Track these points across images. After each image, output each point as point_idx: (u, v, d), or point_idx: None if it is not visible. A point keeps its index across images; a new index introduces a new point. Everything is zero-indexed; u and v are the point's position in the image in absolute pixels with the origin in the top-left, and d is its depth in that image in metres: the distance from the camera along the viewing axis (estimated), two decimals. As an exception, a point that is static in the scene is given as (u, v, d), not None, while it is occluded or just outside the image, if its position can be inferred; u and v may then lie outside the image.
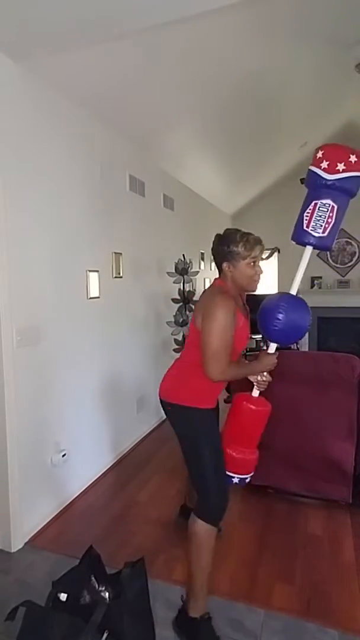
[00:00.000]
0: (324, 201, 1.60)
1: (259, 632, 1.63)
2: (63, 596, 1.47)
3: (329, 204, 1.59)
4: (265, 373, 1.70)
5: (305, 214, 1.64)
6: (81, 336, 2.69)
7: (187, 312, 3.83)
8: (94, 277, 2.79)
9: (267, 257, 6.99)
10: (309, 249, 1.65)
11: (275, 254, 6.93)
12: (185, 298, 3.86)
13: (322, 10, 2.47)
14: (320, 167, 1.61)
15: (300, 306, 1.64)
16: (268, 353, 1.69)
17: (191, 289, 3.93)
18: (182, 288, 3.86)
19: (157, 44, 2.23)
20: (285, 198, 6.71)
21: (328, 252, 6.55)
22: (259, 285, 1.73)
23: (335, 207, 1.60)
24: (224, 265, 1.69)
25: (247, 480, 1.73)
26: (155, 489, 2.73)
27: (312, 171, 1.64)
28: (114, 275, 3.07)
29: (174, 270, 3.83)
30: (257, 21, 2.36)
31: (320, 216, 1.60)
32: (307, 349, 6.56)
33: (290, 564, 2.00)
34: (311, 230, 1.62)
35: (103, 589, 1.53)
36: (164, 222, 4.06)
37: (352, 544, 2.14)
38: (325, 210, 1.60)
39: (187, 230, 4.73)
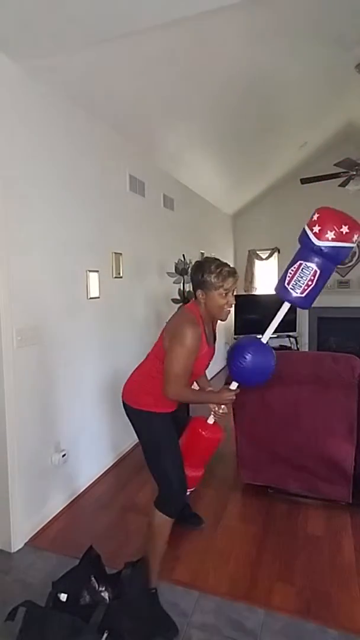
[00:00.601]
0: (309, 264, 1.64)
1: (259, 632, 1.63)
2: (63, 596, 1.47)
3: (312, 268, 1.63)
4: (223, 406, 1.84)
5: (290, 270, 1.70)
6: (81, 336, 2.69)
7: (187, 312, 3.83)
8: (94, 277, 2.79)
9: (267, 257, 6.99)
10: (286, 305, 1.73)
11: (276, 254, 6.94)
12: (185, 298, 3.85)
13: (322, 11, 2.47)
14: (312, 230, 1.64)
15: (267, 353, 1.75)
16: (229, 389, 1.80)
17: (191, 289, 3.92)
18: (182, 288, 3.86)
19: (157, 44, 2.23)
20: (285, 198, 6.72)
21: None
22: (228, 316, 1.80)
23: (318, 272, 1.64)
24: (198, 292, 1.76)
25: (187, 494, 1.86)
26: (154, 490, 2.72)
27: (305, 231, 1.67)
28: (114, 275, 3.07)
29: (174, 271, 3.83)
30: (258, 21, 2.36)
31: (301, 277, 1.65)
32: (307, 349, 6.56)
33: (290, 564, 2.00)
34: (291, 288, 1.67)
35: (103, 589, 1.53)
36: (164, 222, 4.06)
37: (352, 544, 2.14)
38: (308, 273, 1.64)
39: (187, 230, 4.73)
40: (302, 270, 1.65)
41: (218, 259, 1.77)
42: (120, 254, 3.18)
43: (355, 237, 1.61)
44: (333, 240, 1.59)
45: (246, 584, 1.88)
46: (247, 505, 2.51)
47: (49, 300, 2.38)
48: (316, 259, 1.63)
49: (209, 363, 1.87)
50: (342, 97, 4.34)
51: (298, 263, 1.67)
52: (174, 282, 3.84)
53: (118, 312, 3.18)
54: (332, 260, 1.64)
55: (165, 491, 1.76)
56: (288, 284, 1.69)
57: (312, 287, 1.66)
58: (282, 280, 1.72)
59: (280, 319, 1.77)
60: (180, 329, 1.67)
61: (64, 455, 2.46)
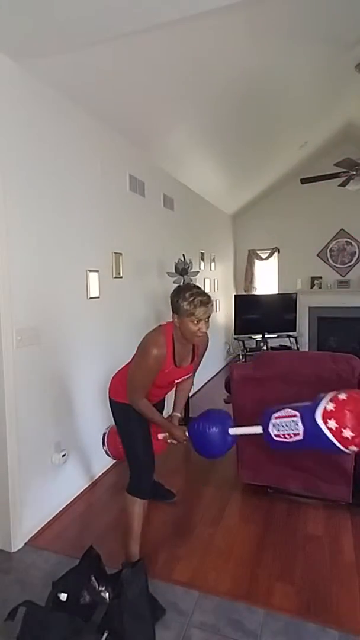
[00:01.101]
0: (299, 425, 1.55)
1: (259, 632, 1.63)
2: (63, 596, 1.47)
3: (299, 432, 1.55)
4: (172, 439, 2.00)
5: (283, 408, 1.64)
6: (81, 336, 2.69)
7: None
8: (94, 277, 2.79)
9: (267, 257, 6.99)
10: (258, 428, 1.70)
11: (276, 253, 6.94)
12: (185, 298, 3.85)
13: (322, 10, 2.47)
14: (326, 418, 1.50)
15: (224, 444, 1.81)
16: (183, 431, 1.94)
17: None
18: (182, 288, 3.85)
19: (158, 44, 2.23)
20: (285, 198, 6.73)
21: (328, 252, 6.56)
22: (199, 340, 1.90)
23: (301, 439, 1.55)
24: (173, 316, 1.85)
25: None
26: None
27: (320, 404, 1.54)
28: (114, 275, 3.07)
29: (174, 270, 3.83)
30: (258, 21, 2.36)
31: (286, 425, 1.59)
32: (307, 349, 6.57)
33: (290, 564, 2.00)
34: (271, 424, 1.63)
35: (103, 589, 1.53)
36: (164, 222, 4.06)
37: (352, 544, 2.14)
38: (292, 429, 1.57)
39: (187, 230, 4.73)
40: (292, 421, 1.57)
41: (197, 287, 1.85)
42: (120, 254, 3.17)
43: (353, 447, 1.47)
44: (331, 431, 1.48)
45: (246, 584, 1.88)
46: (247, 505, 2.51)
47: (49, 300, 2.38)
48: (308, 430, 1.53)
49: (180, 379, 2.03)
50: (342, 97, 4.34)
51: (294, 412, 1.59)
52: (173, 282, 3.83)
53: (118, 312, 3.18)
54: (313, 439, 1.53)
55: (135, 475, 1.96)
56: (272, 418, 1.64)
57: (285, 442, 1.59)
58: (269, 410, 1.69)
59: (249, 432, 1.78)
60: (146, 347, 1.84)
61: (64, 455, 2.46)
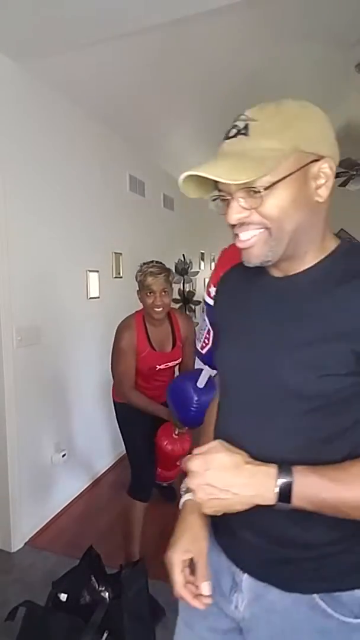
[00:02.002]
0: (206, 321, 1.43)
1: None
2: (63, 596, 1.47)
3: (207, 325, 1.42)
4: (180, 429, 1.87)
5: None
6: (81, 336, 2.69)
7: (187, 312, 3.83)
8: (94, 277, 2.79)
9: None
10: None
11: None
12: (186, 298, 3.86)
13: (322, 10, 2.47)
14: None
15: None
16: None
17: (191, 289, 3.93)
18: (182, 288, 3.86)
19: (157, 43, 2.23)
20: (285, 198, 6.72)
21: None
22: (160, 315, 1.83)
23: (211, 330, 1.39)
24: (137, 294, 1.88)
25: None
26: (155, 489, 2.73)
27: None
28: (114, 275, 3.07)
29: (174, 270, 3.83)
30: (257, 21, 2.36)
31: (201, 331, 1.49)
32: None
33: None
34: (197, 340, 1.53)
35: (103, 589, 1.53)
36: (164, 222, 4.06)
37: (352, 544, 2.13)
38: (203, 330, 1.46)
39: (187, 230, 4.72)
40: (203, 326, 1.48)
41: (156, 262, 1.86)
42: (120, 254, 3.17)
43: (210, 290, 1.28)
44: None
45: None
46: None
47: (49, 300, 2.38)
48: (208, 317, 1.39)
49: (163, 365, 1.93)
50: (342, 97, 4.34)
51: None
52: (174, 282, 3.84)
53: (118, 312, 3.16)
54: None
55: (135, 477, 1.93)
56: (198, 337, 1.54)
57: (209, 346, 1.43)
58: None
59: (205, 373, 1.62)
60: (117, 332, 1.88)
61: (64, 455, 2.46)
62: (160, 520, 2.38)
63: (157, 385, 2.00)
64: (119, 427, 2.01)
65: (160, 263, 1.88)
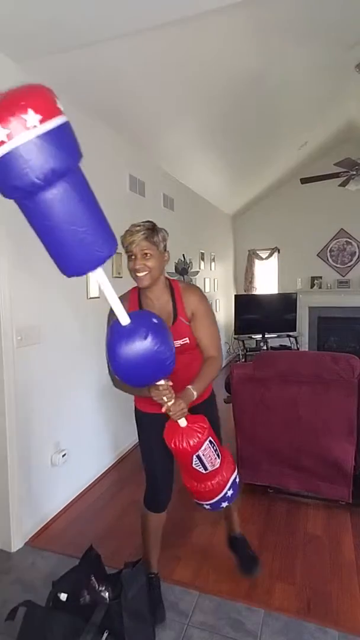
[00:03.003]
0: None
1: (259, 632, 1.63)
2: (63, 596, 1.47)
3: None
4: (168, 402, 1.42)
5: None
6: (81, 336, 2.69)
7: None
8: (94, 277, 2.79)
9: (267, 257, 6.99)
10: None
11: (275, 253, 6.94)
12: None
13: (322, 11, 2.47)
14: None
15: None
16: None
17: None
18: (182, 288, 3.86)
19: (158, 43, 2.23)
20: (285, 198, 6.72)
21: (328, 252, 6.55)
22: (144, 282, 1.53)
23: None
24: None
25: (221, 505, 1.59)
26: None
27: None
28: (114, 275, 3.07)
29: (174, 270, 3.83)
30: (258, 21, 2.36)
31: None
32: (307, 349, 6.56)
33: (290, 564, 2.00)
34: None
35: (103, 589, 1.53)
36: (164, 222, 4.04)
37: (352, 544, 2.14)
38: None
39: (187, 230, 4.72)
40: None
41: (148, 221, 1.58)
42: (120, 253, 3.17)
43: None
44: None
45: (246, 584, 1.87)
46: (246, 505, 2.51)
47: (49, 300, 2.38)
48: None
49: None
50: (342, 97, 4.34)
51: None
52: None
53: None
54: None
55: (148, 486, 1.78)
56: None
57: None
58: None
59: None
60: None
61: (64, 455, 2.46)
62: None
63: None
64: (138, 435, 1.80)
65: (151, 222, 1.57)
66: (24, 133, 0.89)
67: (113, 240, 1.19)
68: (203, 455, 1.43)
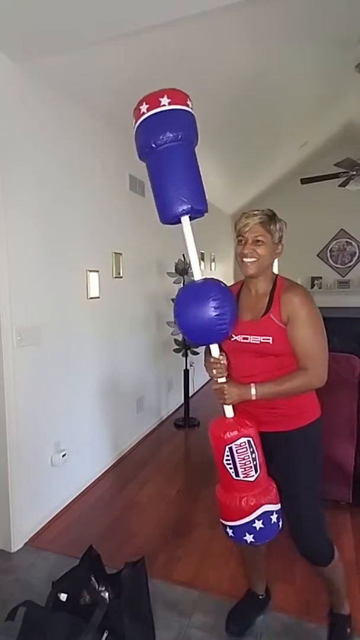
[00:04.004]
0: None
1: (259, 632, 1.63)
2: (63, 596, 1.47)
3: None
4: (218, 379, 1.36)
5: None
6: (81, 336, 2.69)
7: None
8: (94, 277, 2.79)
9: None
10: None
11: (275, 254, 6.94)
12: (185, 298, 3.85)
13: (322, 10, 2.47)
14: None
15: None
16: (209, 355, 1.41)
17: (191, 289, 3.92)
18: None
19: (158, 43, 2.23)
20: (285, 198, 6.72)
21: (328, 252, 6.55)
22: (249, 269, 1.41)
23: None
24: None
25: (245, 537, 1.37)
26: (155, 489, 2.73)
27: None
28: (114, 275, 3.07)
29: (174, 270, 3.83)
30: (257, 21, 2.36)
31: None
32: (307, 349, 6.56)
33: (290, 564, 2.00)
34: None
35: (103, 589, 1.53)
36: (164, 222, 4.05)
37: (352, 544, 2.13)
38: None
39: (187, 230, 4.71)
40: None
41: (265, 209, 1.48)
42: (120, 254, 3.17)
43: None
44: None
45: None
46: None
47: (49, 300, 2.38)
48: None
49: (239, 337, 1.40)
50: (342, 97, 4.34)
51: None
52: (174, 282, 3.84)
53: (118, 312, 3.18)
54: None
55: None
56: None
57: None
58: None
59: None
60: None
61: (64, 455, 2.46)
62: (159, 521, 2.39)
63: (234, 362, 1.42)
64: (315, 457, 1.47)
65: (271, 210, 1.48)
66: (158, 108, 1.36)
67: (198, 199, 1.44)
68: (237, 452, 1.31)
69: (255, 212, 1.43)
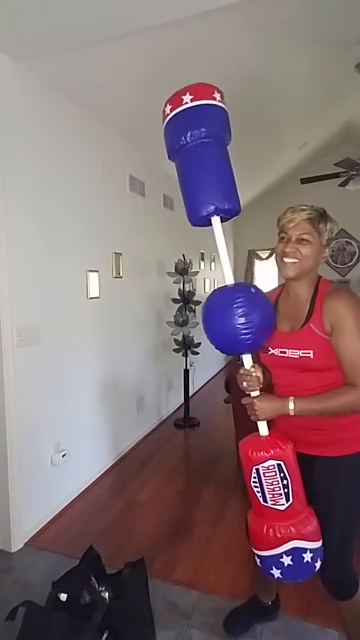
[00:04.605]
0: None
1: (259, 632, 1.63)
2: (63, 596, 1.47)
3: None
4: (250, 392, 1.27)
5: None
6: (81, 336, 2.69)
7: (187, 312, 3.83)
8: (94, 277, 2.79)
9: (267, 257, 6.99)
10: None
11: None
12: (185, 298, 3.85)
13: (322, 11, 2.47)
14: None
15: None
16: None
17: (191, 289, 3.92)
18: (182, 288, 3.86)
19: (158, 44, 2.23)
20: (285, 198, 6.71)
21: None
22: (289, 271, 1.25)
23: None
24: None
25: (272, 569, 1.22)
26: (155, 489, 2.74)
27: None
28: (114, 275, 3.07)
29: (174, 270, 3.83)
30: (257, 21, 2.36)
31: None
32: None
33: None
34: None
35: (103, 589, 1.53)
36: (164, 222, 4.06)
37: (352, 544, 2.13)
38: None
39: (187, 230, 4.71)
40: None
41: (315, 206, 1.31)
42: (120, 254, 3.17)
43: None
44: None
45: (246, 584, 1.87)
46: (247, 505, 2.50)
47: (49, 300, 2.38)
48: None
49: (276, 349, 1.28)
50: (342, 97, 4.34)
51: None
52: (174, 282, 3.84)
53: (118, 312, 3.18)
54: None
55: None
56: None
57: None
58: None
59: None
60: None
61: (64, 455, 2.46)
62: (159, 521, 2.39)
63: (276, 375, 1.33)
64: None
65: (323, 209, 1.31)
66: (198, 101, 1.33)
67: (227, 198, 1.29)
68: (264, 475, 1.19)
69: (304, 207, 1.26)
